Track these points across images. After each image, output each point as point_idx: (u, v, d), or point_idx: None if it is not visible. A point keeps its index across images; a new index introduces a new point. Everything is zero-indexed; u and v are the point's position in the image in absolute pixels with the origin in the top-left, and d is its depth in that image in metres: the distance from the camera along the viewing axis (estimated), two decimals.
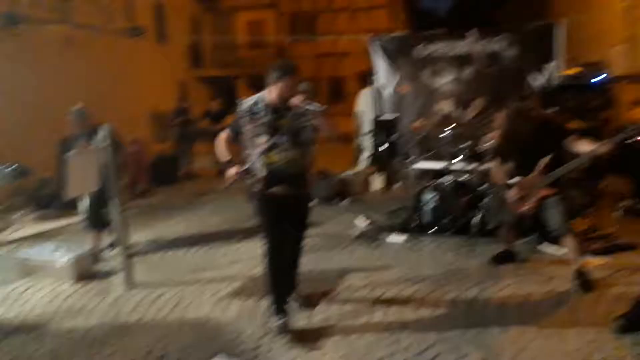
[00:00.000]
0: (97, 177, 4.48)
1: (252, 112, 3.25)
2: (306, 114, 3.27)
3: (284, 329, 3.25)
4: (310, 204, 3.62)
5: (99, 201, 4.77)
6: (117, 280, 4.32)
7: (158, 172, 9.06)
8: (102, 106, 6.15)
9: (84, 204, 4.97)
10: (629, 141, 3.66)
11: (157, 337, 3.31)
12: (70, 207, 6.86)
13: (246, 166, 3.30)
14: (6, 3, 8.49)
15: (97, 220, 4.94)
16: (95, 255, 4.82)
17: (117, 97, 10.47)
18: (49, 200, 7.23)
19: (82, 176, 4.25)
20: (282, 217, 3.33)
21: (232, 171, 3.29)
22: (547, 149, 3.87)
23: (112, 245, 5.10)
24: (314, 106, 3.28)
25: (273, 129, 3.22)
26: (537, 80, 6.87)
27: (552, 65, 6.78)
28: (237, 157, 3.41)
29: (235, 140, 3.39)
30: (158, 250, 5.24)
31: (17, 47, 8.41)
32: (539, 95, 5.00)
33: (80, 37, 10.14)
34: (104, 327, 3.49)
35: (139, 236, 5.61)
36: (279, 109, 3.24)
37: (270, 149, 3.22)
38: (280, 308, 3.32)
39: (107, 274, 4.52)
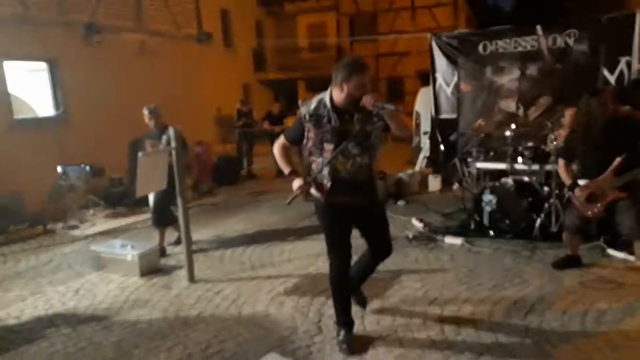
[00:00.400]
0: (165, 177, 4.74)
1: (316, 116, 2.95)
2: (377, 115, 2.85)
3: (347, 342, 3.12)
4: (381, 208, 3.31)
5: (165, 200, 5.05)
6: (180, 275, 4.55)
7: (220, 172, 9.42)
8: (171, 109, 6.46)
9: (151, 202, 5.27)
10: None
11: (215, 331, 3.45)
12: (139, 205, 7.35)
13: (311, 177, 3.00)
14: (87, 14, 9.17)
15: (163, 218, 5.24)
16: (161, 251, 5.10)
17: (185, 100, 10.98)
18: (119, 198, 7.73)
19: (151, 176, 4.50)
20: (348, 228, 3.10)
21: (296, 184, 2.96)
22: (620, 148, 3.64)
23: (177, 242, 5.38)
24: (387, 105, 2.77)
25: (341, 134, 2.89)
26: (612, 75, 6.49)
27: (628, 59, 6.38)
28: (297, 163, 3.21)
29: (293, 146, 3.18)
30: (218, 247, 5.44)
31: (95, 54, 9.08)
32: (614, 90, 4.69)
33: (153, 43, 10.76)
34: (166, 320, 3.69)
35: (201, 234, 5.88)
36: (347, 111, 2.91)
37: (337, 156, 2.90)
38: (342, 320, 3.19)
39: (171, 269, 4.76)
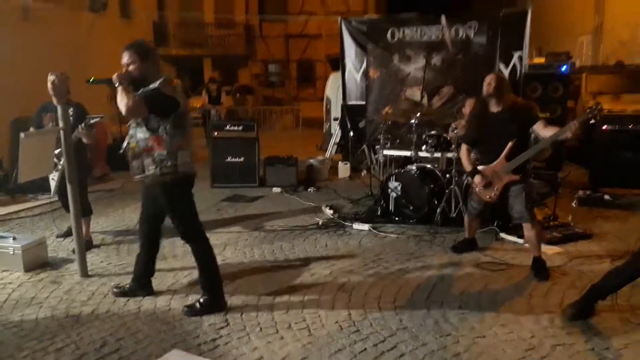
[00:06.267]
0: (51, 161, 4.27)
1: None
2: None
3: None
4: None
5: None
6: (71, 269, 4.17)
7: (116, 156, 8.72)
8: None
9: (53, 186, 4.67)
10: (592, 121, 3.65)
11: (111, 329, 3.21)
12: (23, 191, 6.63)
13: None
14: None
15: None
16: (87, 244, 4.57)
17: (76, 75, 10.00)
18: None
19: (36, 159, 4.03)
20: None
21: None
22: (513, 135, 3.87)
23: (66, 233, 4.92)
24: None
25: None
26: (506, 69, 6.94)
27: (520, 54, 6.85)
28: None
29: None
30: (114, 238, 5.08)
31: None
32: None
33: (39, 9, 9.65)
34: (55, 319, 3.35)
35: (95, 223, 5.41)
36: None
37: None
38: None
39: (60, 263, 4.35)
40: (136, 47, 3.22)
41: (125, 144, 3.43)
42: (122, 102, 3.02)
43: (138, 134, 3.25)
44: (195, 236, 3.46)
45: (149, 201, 3.57)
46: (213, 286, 3.46)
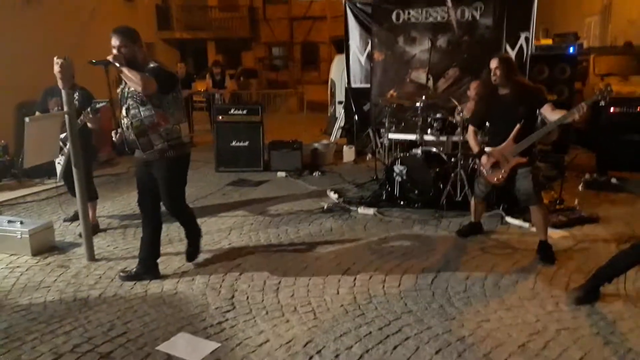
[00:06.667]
0: (57, 146, 4.27)
1: None
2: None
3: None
4: None
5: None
6: (78, 253, 4.20)
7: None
8: None
9: (59, 170, 4.68)
10: (601, 104, 3.59)
11: (118, 312, 3.24)
12: (29, 176, 6.67)
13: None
14: None
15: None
16: (93, 227, 4.58)
17: (78, 59, 9.98)
18: (4, 169, 6.94)
19: (42, 144, 4.02)
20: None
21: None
22: (521, 117, 3.83)
23: (73, 218, 4.95)
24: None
25: None
26: (513, 50, 6.84)
27: (527, 35, 6.75)
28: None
29: None
30: (121, 222, 5.10)
31: None
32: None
33: None
34: (63, 302, 3.39)
35: (102, 208, 5.45)
36: None
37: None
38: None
39: (67, 247, 4.38)
40: (125, 31, 3.40)
41: (122, 128, 3.51)
42: (135, 79, 3.21)
43: (143, 112, 3.41)
44: (183, 211, 3.88)
45: (147, 178, 3.63)
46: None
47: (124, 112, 3.50)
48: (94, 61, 3.32)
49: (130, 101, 3.44)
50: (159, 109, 3.41)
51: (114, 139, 3.62)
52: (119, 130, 3.53)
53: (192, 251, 4.00)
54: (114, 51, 3.32)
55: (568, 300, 3.24)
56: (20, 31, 8.56)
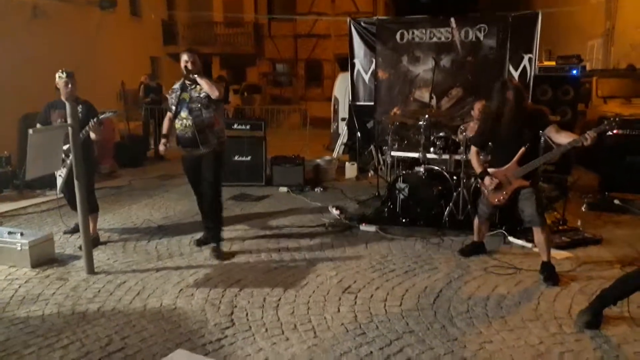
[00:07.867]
0: (59, 158, 4.26)
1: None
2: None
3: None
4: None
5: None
6: (78, 266, 4.18)
7: (124, 152, 8.78)
8: None
9: (60, 183, 4.66)
10: (609, 133, 3.63)
11: (117, 326, 3.20)
12: (31, 187, 6.66)
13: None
14: None
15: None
16: (94, 241, 4.58)
17: (84, 73, 10.03)
18: (6, 180, 6.94)
19: (44, 156, 4.02)
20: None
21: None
22: (525, 140, 3.83)
23: (73, 230, 4.93)
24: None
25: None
26: (516, 71, 6.89)
27: (531, 56, 6.81)
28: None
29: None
30: (121, 235, 5.08)
31: None
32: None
33: (47, 7, 9.70)
34: (61, 316, 3.36)
35: (102, 220, 5.43)
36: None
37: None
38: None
39: (67, 260, 4.35)
40: (194, 51, 4.36)
41: (180, 128, 4.30)
42: (213, 87, 4.20)
43: (205, 114, 4.27)
44: (220, 194, 4.54)
45: (200, 169, 4.42)
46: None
47: (183, 114, 4.26)
48: (191, 76, 4.22)
49: (194, 104, 4.26)
50: (216, 112, 4.33)
51: (160, 149, 4.50)
52: (165, 141, 4.46)
53: (206, 238, 4.66)
54: (189, 66, 4.20)
55: (576, 325, 3.18)
56: (27, 44, 8.67)
